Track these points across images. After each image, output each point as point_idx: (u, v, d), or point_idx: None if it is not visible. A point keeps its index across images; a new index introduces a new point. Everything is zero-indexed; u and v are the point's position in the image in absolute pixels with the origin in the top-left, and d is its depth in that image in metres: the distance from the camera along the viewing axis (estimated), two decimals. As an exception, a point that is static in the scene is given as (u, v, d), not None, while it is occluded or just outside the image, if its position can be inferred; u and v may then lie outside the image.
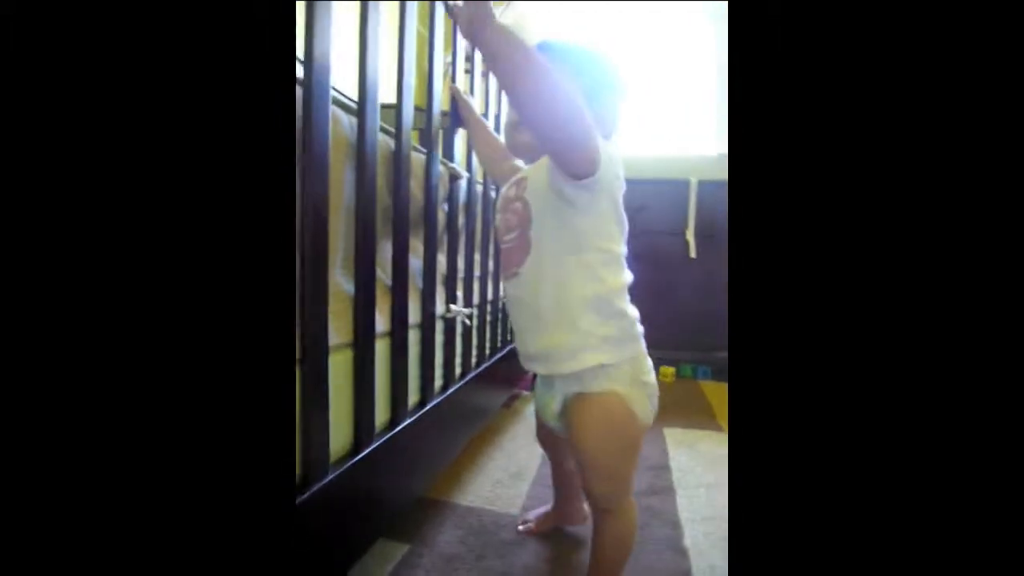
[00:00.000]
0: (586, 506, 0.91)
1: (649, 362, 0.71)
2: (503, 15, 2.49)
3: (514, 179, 0.75)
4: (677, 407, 1.76)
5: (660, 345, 2.20)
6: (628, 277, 0.69)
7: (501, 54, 0.53)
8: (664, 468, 1.27)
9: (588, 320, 0.65)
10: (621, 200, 0.66)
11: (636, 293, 2.28)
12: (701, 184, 2.12)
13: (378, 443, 0.68)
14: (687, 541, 0.94)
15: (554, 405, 0.72)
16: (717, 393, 1.95)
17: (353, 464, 0.62)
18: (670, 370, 2.13)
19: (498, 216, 0.74)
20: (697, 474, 1.24)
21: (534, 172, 0.70)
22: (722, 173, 2.10)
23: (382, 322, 0.69)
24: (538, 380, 0.77)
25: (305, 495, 0.54)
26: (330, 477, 0.58)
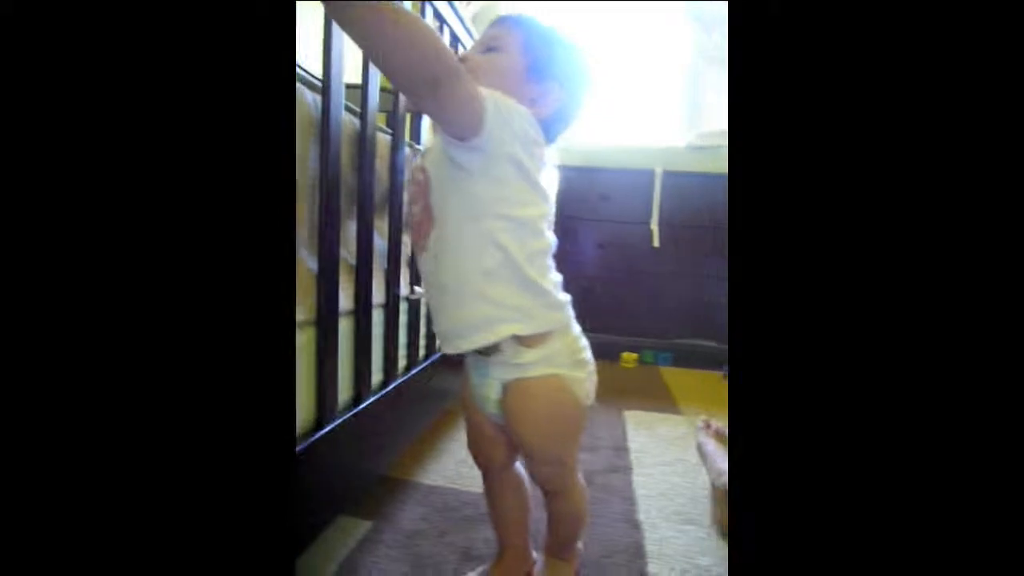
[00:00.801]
0: (535, 553, 0.83)
1: (583, 339, 0.68)
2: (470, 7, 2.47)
3: (424, 148, 0.73)
4: (638, 391, 1.81)
5: (623, 331, 2.26)
6: (541, 243, 0.64)
7: (340, 12, 0.49)
8: (623, 449, 1.31)
9: (496, 290, 0.61)
10: (536, 161, 0.62)
11: (601, 279, 2.29)
12: (666, 174, 2.16)
13: (340, 420, 0.69)
14: (640, 515, 0.99)
15: (492, 393, 0.68)
16: (677, 378, 2.01)
17: (314, 440, 0.63)
18: (632, 356, 2.18)
19: (407, 187, 0.71)
20: (654, 454, 1.29)
21: (434, 139, 0.66)
22: (688, 164, 2.15)
23: (345, 301, 0.70)
24: (469, 368, 0.71)
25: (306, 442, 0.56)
26: (300, 446, 0.59)
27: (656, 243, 2.17)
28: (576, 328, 0.68)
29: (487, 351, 0.65)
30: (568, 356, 0.65)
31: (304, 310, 0.62)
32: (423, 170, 0.64)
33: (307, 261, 0.62)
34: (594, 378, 0.69)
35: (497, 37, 0.65)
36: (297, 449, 0.60)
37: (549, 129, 0.65)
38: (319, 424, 0.66)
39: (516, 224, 0.61)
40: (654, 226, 2.17)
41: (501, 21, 0.68)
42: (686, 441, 1.38)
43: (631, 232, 2.20)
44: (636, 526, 0.95)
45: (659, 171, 2.16)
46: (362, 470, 0.79)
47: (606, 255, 2.23)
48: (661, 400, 1.74)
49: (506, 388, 0.66)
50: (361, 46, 0.50)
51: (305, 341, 0.63)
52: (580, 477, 0.74)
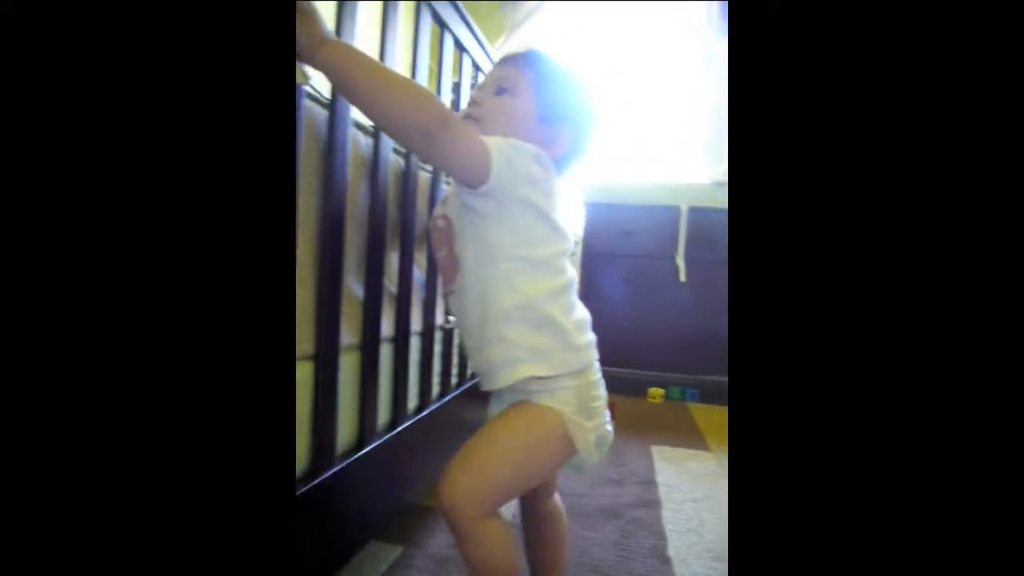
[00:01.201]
0: None
1: (600, 389, 0.65)
2: (533, 16, 2.58)
3: (444, 195, 0.73)
4: (665, 427, 1.80)
5: (649, 367, 2.25)
6: (559, 281, 0.63)
7: (338, 76, 0.52)
8: (651, 483, 1.30)
9: (515, 332, 0.60)
10: (549, 198, 0.62)
11: (627, 315, 2.30)
12: (692, 210, 2.19)
13: (379, 442, 0.72)
14: (671, 551, 0.98)
15: (496, 411, 0.68)
16: (705, 415, 1.99)
17: (356, 459, 0.66)
18: (659, 391, 2.17)
19: (431, 234, 0.71)
20: (683, 490, 1.28)
21: (453, 187, 0.67)
22: (713, 201, 2.17)
23: (386, 327, 0.74)
24: (491, 401, 0.71)
25: (310, 485, 0.58)
26: (335, 469, 0.62)
27: (683, 278, 2.18)
28: (596, 374, 0.65)
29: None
30: (575, 398, 0.62)
31: (350, 335, 0.66)
32: (445, 217, 0.65)
33: (354, 289, 0.67)
34: (605, 447, 0.64)
35: (508, 78, 0.65)
36: (340, 466, 0.63)
37: (560, 164, 0.66)
38: (359, 445, 0.69)
39: (532, 264, 0.61)
40: (680, 261, 2.18)
41: (512, 60, 0.68)
42: (715, 477, 1.36)
43: (657, 267, 2.22)
44: (666, 561, 0.94)
45: (684, 207, 2.19)
46: (394, 495, 0.81)
47: (632, 290, 2.25)
48: (689, 436, 1.72)
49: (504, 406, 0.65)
50: (353, 103, 0.53)
51: (350, 363, 0.67)
52: (501, 523, 0.60)
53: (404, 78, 0.54)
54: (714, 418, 1.95)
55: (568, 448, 0.61)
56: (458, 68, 0.99)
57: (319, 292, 0.59)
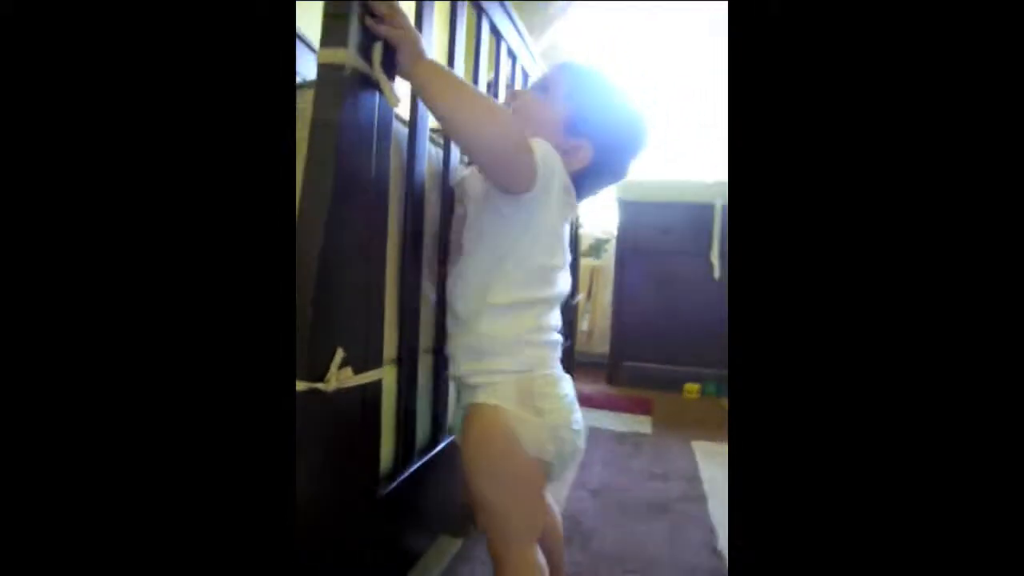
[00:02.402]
0: None
1: (560, 389, 0.63)
2: (564, 15, 2.60)
3: (457, 179, 0.74)
4: (704, 422, 1.81)
5: (685, 363, 2.26)
6: (550, 292, 0.65)
7: (427, 89, 0.56)
8: (695, 479, 1.33)
9: (497, 325, 0.62)
10: (565, 214, 0.65)
11: (662, 311, 2.31)
12: (726, 208, 2.19)
13: (448, 440, 0.76)
14: (721, 545, 1.00)
15: (457, 419, 0.67)
16: (742, 410, 2.00)
17: (431, 457, 0.70)
18: (695, 387, 2.18)
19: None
20: (726, 483, 1.29)
21: (471, 178, 0.69)
22: (746, 197, 2.18)
23: (425, 339, 0.72)
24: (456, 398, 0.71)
25: (395, 483, 0.62)
26: (415, 467, 0.66)
27: (716, 275, 2.18)
28: (546, 367, 0.64)
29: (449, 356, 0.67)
30: (515, 391, 0.61)
31: (425, 338, 0.70)
32: (463, 205, 0.67)
33: (429, 292, 0.70)
34: (566, 441, 0.61)
35: (551, 80, 0.68)
36: (408, 473, 0.65)
37: (579, 184, 0.66)
38: (433, 443, 0.73)
39: (533, 270, 0.62)
40: (715, 259, 2.18)
41: (561, 66, 0.70)
42: (759, 473, 1.37)
43: (692, 264, 2.22)
44: (719, 556, 0.97)
45: (719, 205, 2.18)
46: (453, 494, 0.83)
47: (667, 287, 2.26)
48: (727, 430, 1.74)
49: (464, 414, 0.65)
50: (438, 117, 0.56)
51: (427, 364, 0.70)
52: (536, 555, 0.60)
53: (487, 99, 0.58)
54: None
55: (516, 440, 0.59)
56: (493, 65, 0.98)
57: (401, 299, 0.62)
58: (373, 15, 0.50)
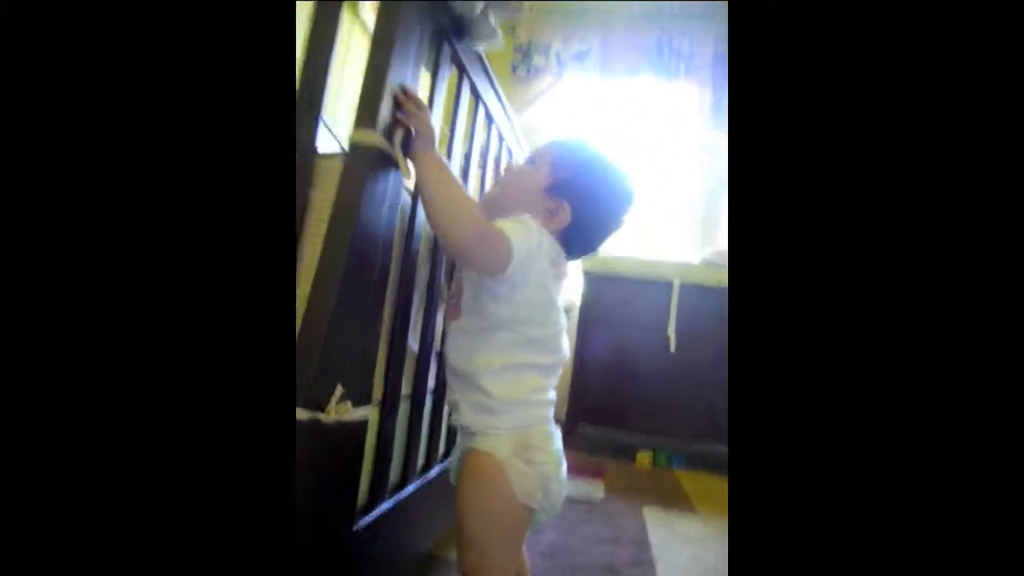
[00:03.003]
0: None
1: (553, 444, 0.69)
2: (547, 93, 2.79)
3: None
4: (655, 490, 1.87)
5: (639, 430, 2.33)
6: (548, 359, 0.70)
7: (423, 174, 0.63)
8: (645, 543, 1.37)
9: (493, 386, 0.66)
10: (557, 280, 0.70)
11: (620, 380, 2.41)
12: (683, 286, 2.34)
13: (421, 482, 0.80)
14: (666, 607, 1.04)
15: (455, 462, 0.73)
16: (691, 480, 2.07)
17: (401, 498, 0.74)
18: (648, 455, 2.24)
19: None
20: (675, 550, 1.34)
21: None
22: (703, 278, 2.34)
23: (405, 386, 0.77)
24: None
25: (366, 519, 0.66)
26: (388, 503, 0.71)
27: (672, 348, 2.30)
28: (543, 422, 0.69)
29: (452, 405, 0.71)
30: (513, 445, 0.65)
31: (406, 386, 0.76)
32: (462, 273, 0.73)
33: (412, 345, 0.77)
34: (553, 493, 0.67)
35: (540, 152, 0.75)
36: (380, 511, 0.70)
37: (568, 244, 0.72)
38: (403, 484, 0.77)
39: (523, 338, 0.67)
40: (671, 332, 2.31)
41: (550, 142, 0.77)
42: (705, 542, 1.43)
43: (649, 337, 2.34)
44: (663, 615, 1.01)
45: (677, 283, 2.34)
46: (414, 544, 0.85)
47: (626, 358, 2.36)
48: (677, 500, 1.79)
49: (461, 458, 0.70)
50: (421, 200, 0.62)
51: (404, 411, 0.76)
52: None
53: (465, 199, 0.64)
54: (699, 484, 2.03)
55: (509, 486, 0.64)
56: (469, 134, 1.00)
57: (389, 347, 0.69)
58: (403, 107, 0.60)
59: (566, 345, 0.72)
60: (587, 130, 2.76)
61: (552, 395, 0.72)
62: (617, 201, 0.75)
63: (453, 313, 0.72)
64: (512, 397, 0.67)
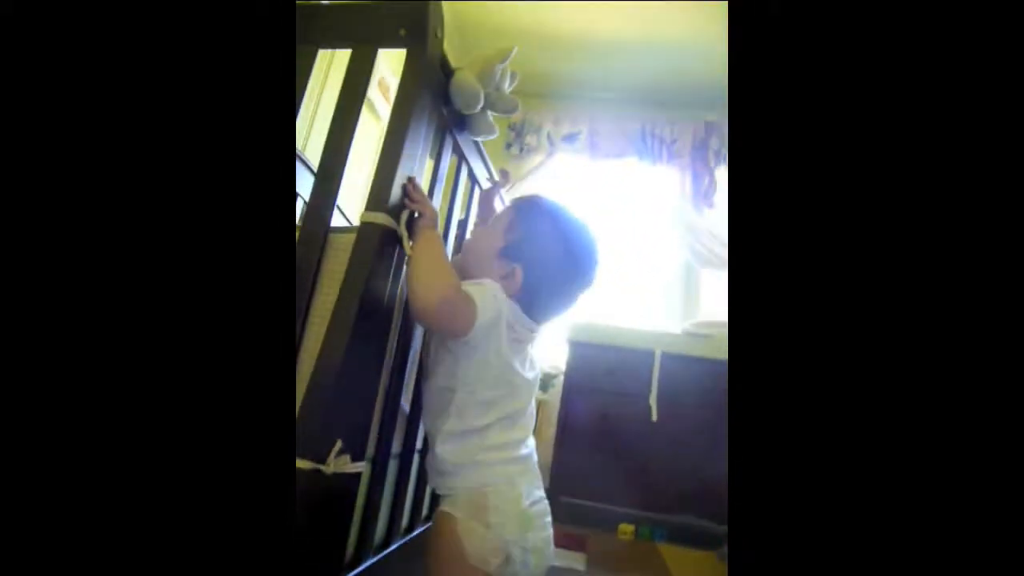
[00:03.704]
0: None
1: (517, 506, 0.68)
2: (540, 169, 2.94)
3: None
4: (637, 562, 1.85)
5: (620, 503, 2.32)
6: (492, 418, 0.69)
7: (416, 247, 0.67)
8: (623, 617, 1.36)
9: (443, 448, 0.69)
10: (514, 348, 0.70)
11: (602, 448, 2.44)
12: (665, 356, 2.41)
13: (402, 541, 0.83)
14: None
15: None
16: (672, 555, 2.05)
17: (388, 553, 0.77)
18: (630, 528, 2.23)
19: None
20: (653, 625, 1.34)
21: None
22: (684, 348, 2.41)
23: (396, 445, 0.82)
24: None
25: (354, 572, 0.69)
26: (372, 560, 0.73)
27: (654, 417, 2.34)
28: (507, 488, 0.68)
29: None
30: (468, 506, 0.66)
31: (396, 444, 0.80)
32: (430, 334, 0.76)
33: (404, 407, 0.82)
34: (514, 552, 0.65)
35: (499, 215, 0.79)
36: (365, 566, 0.72)
37: (529, 307, 0.72)
38: (387, 541, 0.80)
39: (477, 401, 0.69)
40: (652, 401, 2.36)
41: (512, 202, 0.80)
42: (684, 616, 1.42)
43: (632, 405, 2.38)
44: None
45: (658, 352, 2.41)
46: None
47: (608, 425, 2.39)
48: (659, 574, 1.78)
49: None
50: (408, 266, 0.67)
51: (392, 467, 0.80)
52: None
53: (443, 267, 0.67)
54: (681, 559, 2.01)
55: (462, 549, 0.64)
56: (466, 206, 1.10)
57: (384, 408, 0.74)
58: (411, 198, 0.69)
59: (532, 407, 0.74)
60: (577, 202, 2.92)
61: (517, 452, 0.72)
62: (572, 260, 0.74)
63: (423, 372, 0.76)
64: (459, 460, 0.69)
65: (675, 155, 2.83)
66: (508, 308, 0.70)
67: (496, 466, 0.69)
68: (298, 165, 1.49)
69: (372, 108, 2.01)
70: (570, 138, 2.95)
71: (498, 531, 0.65)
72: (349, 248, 0.65)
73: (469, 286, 0.67)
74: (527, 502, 0.69)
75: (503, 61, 0.79)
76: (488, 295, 0.67)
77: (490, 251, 0.73)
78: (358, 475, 0.64)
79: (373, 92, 1.99)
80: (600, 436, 2.38)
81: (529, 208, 0.76)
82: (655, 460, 2.33)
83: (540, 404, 2.88)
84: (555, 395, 2.78)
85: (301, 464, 0.55)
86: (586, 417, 2.41)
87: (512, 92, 0.85)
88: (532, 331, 0.73)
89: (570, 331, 2.49)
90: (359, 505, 0.70)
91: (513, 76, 0.85)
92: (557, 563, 1.73)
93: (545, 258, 0.72)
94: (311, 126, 1.90)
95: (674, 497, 2.28)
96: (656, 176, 2.91)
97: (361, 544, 0.72)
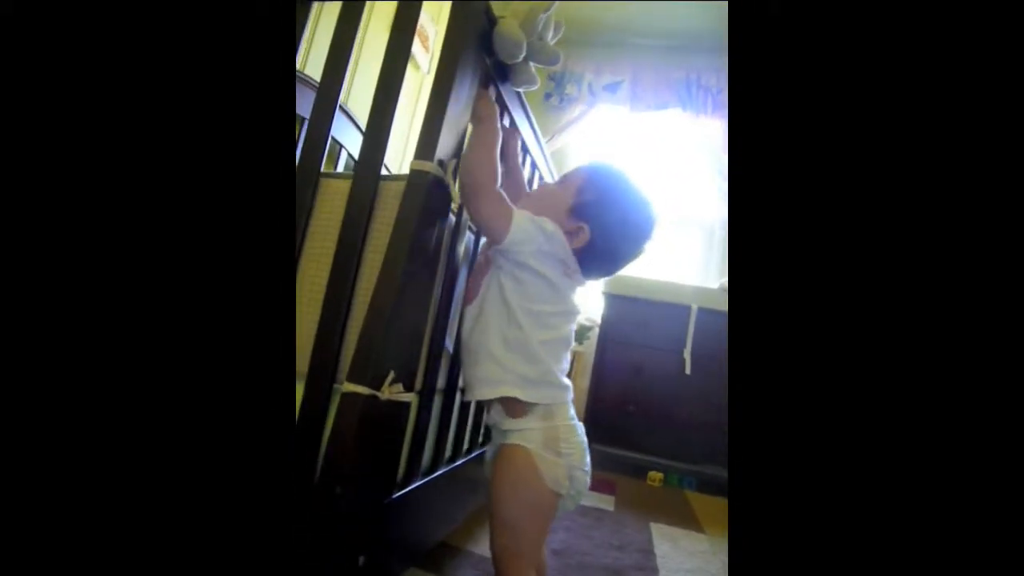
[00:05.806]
0: None
1: (577, 436, 0.76)
2: (579, 121, 2.92)
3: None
4: (663, 508, 1.93)
5: (651, 451, 2.39)
6: (554, 334, 0.76)
7: (478, 138, 0.76)
8: (649, 553, 1.44)
9: (506, 356, 0.73)
10: (557, 273, 0.76)
11: (635, 400, 2.50)
12: (700, 311, 2.42)
13: (444, 470, 0.90)
14: (666, 607, 1.11)
15: (489, 457, 0.80)
16: (699, 502, 2.12)
17: (433, 477, 0.84)
18: (659, 475, 2.30)
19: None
20: (678, 560, 1.41)
21: None
22: (719, 303, 2.41)
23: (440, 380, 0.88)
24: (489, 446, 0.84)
25: (400, 492, 0.76)
26: (420, 482, 0.81)
27: (688, 371, 2.37)
28: (566, 418, 0.76)
29: (485, 406, 0.79)
30: (541, 437, 0.73)
31: (441, 380, 0.86)
32: (486, 255, 0.81)
33: (448, 345, 0.88)
34: (578, 480, 0.74)
35: (571, 174, 0.83)
36: (411, 487, 0.79)
37: (585, 264, 0.78)
38: (434, 466, 0.88)
39: (532, 314, 0.74)
40: (687, 355, 2.38)
41: (581, 165, 0.85)
42: (707, 555, 1.49)
43: (666, 359, 2.42)
44: (662, 613, 1.08)
45: (694, 307, 2.42)
46: (431, 531, 0.94)
47: (642, 377, 2.44)
48: (685, 518, 1.85)
49: (494, 455, 0.78)
50: (468, 151, 0.73)
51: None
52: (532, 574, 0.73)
53: (486, 158, 0.75)
54: (709, 506, 2.08)
55: (539, 475, 0.72)
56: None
57: (430, 345, 0.80)
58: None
59: (568, 327, 0.79)
60: (616, 157, 2.88)
61: (567, 381, 0.78)
62: (635, 230, 0.80)
63: (471, 294, 0.80)
64: (529, 375, 0.73)
65: (720, 105, 2.74)
66: (562, 247, 0.75)
67: (557, 388, 0.76)
68: (340, 116, 1.53)
69: (412, 57, 2.01)
70: (612, 87, 2.88)
71: (567, 459, 0.74)
72: (399, 195, 0.69)
73: (518, 210, 0.73)
74: (581, 434, 0.77)
75: (547, 10, 0.80)
76: (532, 222, 0.73)
77: (560, 206, 0.78)
78: (408, 404, 0.70)
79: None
80: (633, 388, 2.44)
81: (606, 175, 0.81)
82: (687, 412, 2.37)
83: (575, 355, 2.95)
84: (590, 347, 2.84)
85: (360, 389, 0.61)
86: (620, 369, 2.46)
87: (553, 42, 0.86)
88: (579, 284, 0.80)
89: (607, 284, 2.51)
90: (408, 432, 0.77)
91: (558, 26, 0.85)
92: (587, 503, 1.82)
93: (611, 224, 0.78)
94: (352, 79, 1.92)
95: (705, 447, 2.33)
96: (699, 128, 2.83)
97: (410, 469, 0.79)
